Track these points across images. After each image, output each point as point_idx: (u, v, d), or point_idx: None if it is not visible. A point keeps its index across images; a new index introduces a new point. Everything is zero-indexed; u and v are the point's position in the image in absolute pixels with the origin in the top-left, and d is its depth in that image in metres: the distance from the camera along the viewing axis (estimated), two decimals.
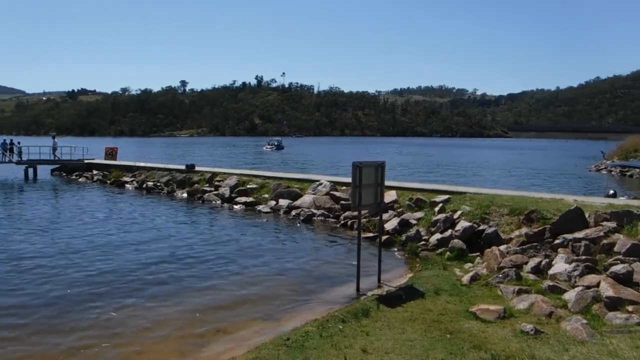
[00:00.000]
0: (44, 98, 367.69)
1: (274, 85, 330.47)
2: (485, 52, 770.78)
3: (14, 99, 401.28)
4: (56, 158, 45.41)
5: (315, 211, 22.89)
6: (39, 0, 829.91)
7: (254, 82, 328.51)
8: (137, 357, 9.26)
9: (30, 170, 42.62)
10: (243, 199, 26.54)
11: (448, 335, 9.02)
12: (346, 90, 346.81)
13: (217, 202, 27.47)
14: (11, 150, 44.68)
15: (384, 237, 16.63)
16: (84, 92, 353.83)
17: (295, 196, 25.00)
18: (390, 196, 20.44)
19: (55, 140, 47.03)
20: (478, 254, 14.87)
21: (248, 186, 27.67)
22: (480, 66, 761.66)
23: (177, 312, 11.35)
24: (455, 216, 17.48)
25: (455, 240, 15.75)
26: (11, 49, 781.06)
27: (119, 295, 12.44)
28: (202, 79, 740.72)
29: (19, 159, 44.29)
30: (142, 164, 40.09)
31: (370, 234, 18.60)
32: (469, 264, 14.29)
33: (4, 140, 46.74)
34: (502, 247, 14.19)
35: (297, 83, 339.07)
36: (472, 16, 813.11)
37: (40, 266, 14.91)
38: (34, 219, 22.88)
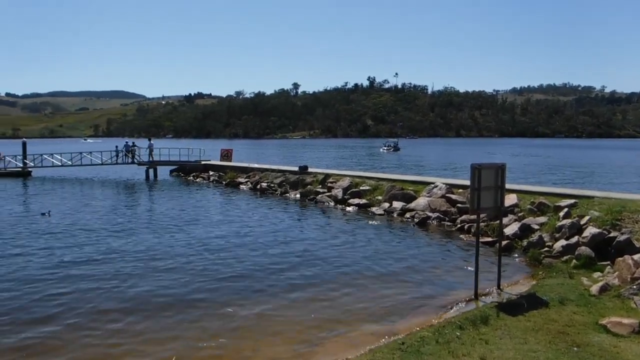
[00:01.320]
0: (163, 102, 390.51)
1: (386, 86, 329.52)
2: (614, 47, 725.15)
3: (136, 103, 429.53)
4: (152, 159, 48.16)
5: (430, 214, 22.61)
6: (156, 12, 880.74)
7: (366, 83, 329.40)
8: (253, 353, 9.61)
9: (151, 171, 45.49)
10: (356, 200, 26.74)
11: (575, 349, 8.61)
12: (462, 90, 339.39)
13: (330, 203, 27.85)
14: (133, 152, 48.07)
15: (503, 242, 16.11)
16: (200, 96, 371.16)
17: (410, 198, 24.83)
18: (510, 200, 19.79)
19: (152, 142, 49.92)
20: (608, 262, 14.05)
21: (361, 188, 27.82)
22: (609, 62, 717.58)
23: (292, 311, 11.65)
24: (583, 222, 16.62)
25: (582, 248, 14.98)
26: (133, 57, 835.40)
27: (236, 292, 13.02)
28: (314, 81, 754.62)
29: (139, 160, 47.43)
30: (256, 165, 41.46)
31: (489, 239, 18.12)
32: (598, 273, 13.55)
33: (126, 142, 50.28)
34: (637, 256, 13.30)
35: (410, 83, 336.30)
36: (599, 8, 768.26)
37: (167, 262, 15.90)
38: (159, 218, 24.42)
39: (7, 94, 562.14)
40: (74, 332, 10.49)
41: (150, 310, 11.72)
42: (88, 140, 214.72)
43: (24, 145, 49.29)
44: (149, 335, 10.36)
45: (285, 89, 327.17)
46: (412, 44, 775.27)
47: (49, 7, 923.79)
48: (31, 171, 47.35)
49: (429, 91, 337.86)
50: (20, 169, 47.33)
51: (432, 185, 24.95)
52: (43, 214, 24.88)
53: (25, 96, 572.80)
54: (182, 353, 9.57)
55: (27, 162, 48.20)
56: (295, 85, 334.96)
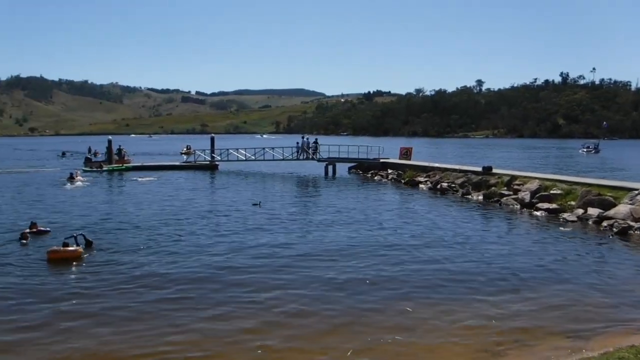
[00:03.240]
0: (342, 100, 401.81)
1: (581, 82, 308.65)
2: None
3: (315, 101, 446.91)
4: (307, 158, 49.77)
5: (632, 224, 20.87)
6: (335, 12, 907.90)
7: (558, 79, 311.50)
8: (428, 354, 9.70)
9: (330, 168, 47.02)
10: (545, 205, 25.46)
11: None
12: None
13: (516, 206, 26.87)
14: (315, 149, 50.12)
15: None
16: (379, 93, 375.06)
17: (608, 205, 23.13)
18: None
19: (306, 139, 51.38)
20: None
21: (551, 192, 26.46)
22: None
23: (471, 317, 11.53)
24: None
25: None
26: (314, 57, 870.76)
27: (415, 291, 13.21)
28: (500, 78, 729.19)
29: (320, 157, 49.32)
30: (437, 165, 41.07)
31: None
32: None
33: (307, 139, 52.50)
34: None
35: (609, 79, 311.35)
36: None
37: (350, 258, 16.47)
38: (342, 214, 25.39)
39: (197, 93, 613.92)
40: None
41: (330, 302, 12.28)
42: (264, 136, 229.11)
43: (212, 140, 53.88)
44: (328, 328, 10.85)
45: (468, 86, 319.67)
46: (613, 35, 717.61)
47: (237, 13, 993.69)
48: (218, 164, 51.51)
49: (633, 87, 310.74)
50: (208, 162, 51.75)
51: (636, 191, 23.06)
52: (255, 205, 27.22)
53: (213, 94, 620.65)
54: (358, 347, 9.91)
55: (215, 155, 52.52)
56: (479, 82, 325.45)
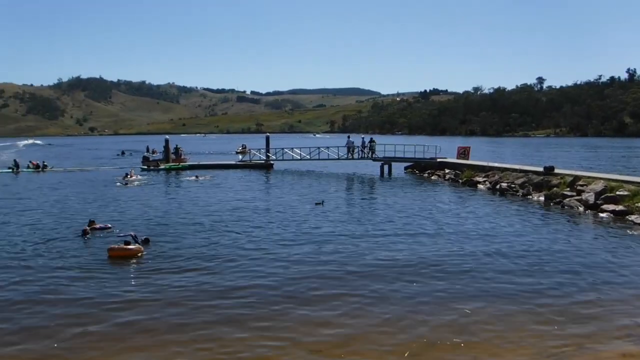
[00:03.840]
0: (397, 99, 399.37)
1: None
2: None
3: (371, 100, 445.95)
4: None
5: None
6: (387, 10, 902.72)
7: (624, 76, 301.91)
8: (487, 358, 9.60)
9: (386, 167, 46.88)
10: (611, 206, 24.73)
11: None
12: None
13: (579, 208, 26.17)
14: (371, 148, 50.09)
15: None
16: (435, 92, 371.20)
17: None
18: None
19: (352, 139, 51.41)
20: None
21: (617, 193, 25.67)
22: None
23: (532, 320, 11.41)
24: None
25: None
26: (369, 55, 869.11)
27: (476, 292, 13.16)
28: (562, 75, 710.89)
29: (376, 156, 49.28)
30: (496, 164, 40.40)
31: None
32: None
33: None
34: None
35: None
36: None
37: (404, 262, 16.49)
38: (402, 215, 25.33)
39: (253, 92, 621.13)
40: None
41: (387, 305, 12.31)
42: (317, 135, 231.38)
43: (267, 139, 54.64)
44: (386, 330, 10.88)
45: (529, 83, 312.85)
46: None
47: (292, 13, 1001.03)
48: (273, 164, 52.10)
49: None
50: (263, 161, 52.46)
51: None
52: (317, 204, 27.74)
53: (268, 94, 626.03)
54: (416, 349, 9.91)
55: (270, 155, 53.20)
56: (540, 80, 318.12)
